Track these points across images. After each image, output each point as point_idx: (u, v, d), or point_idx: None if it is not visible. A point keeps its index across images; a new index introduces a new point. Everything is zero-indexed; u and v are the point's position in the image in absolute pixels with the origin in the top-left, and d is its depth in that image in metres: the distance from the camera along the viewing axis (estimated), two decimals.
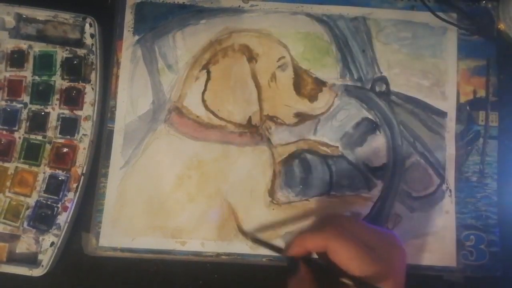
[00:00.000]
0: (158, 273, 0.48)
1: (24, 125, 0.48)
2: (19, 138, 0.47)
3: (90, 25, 0.48)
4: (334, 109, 0.49)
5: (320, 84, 0.50)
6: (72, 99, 0.48)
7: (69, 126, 0.48)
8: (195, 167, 0.48)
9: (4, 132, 0.48)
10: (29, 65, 0.48)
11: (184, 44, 0.50)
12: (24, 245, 0.47)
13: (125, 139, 0.48)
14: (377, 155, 0.49)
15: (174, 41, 0.50)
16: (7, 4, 0.48)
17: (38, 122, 0.48)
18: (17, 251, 0.47)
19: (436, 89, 0.50)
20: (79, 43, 0.49)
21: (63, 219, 0.46)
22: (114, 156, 0.48)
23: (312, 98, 0.49)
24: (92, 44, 0.49)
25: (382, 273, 0.34)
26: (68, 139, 0.48)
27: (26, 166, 0.47)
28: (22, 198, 0.47)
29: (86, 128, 0.48)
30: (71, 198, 0.47)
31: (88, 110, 0.48)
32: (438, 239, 0.47)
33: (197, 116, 0.49)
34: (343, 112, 0.49)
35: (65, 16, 0.49)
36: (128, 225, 0.47)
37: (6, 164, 0.47)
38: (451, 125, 0.49)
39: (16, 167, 0.47)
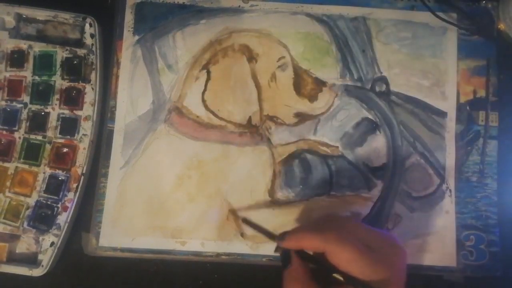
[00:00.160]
0: (158, 273, 0.48)
1: (24, 125, 0.48)
2: (19, 138, 0.48)
3: (90, 25, 0.48)
4: (334, 109, 0.49)
5: (320, 84, 0.50)
6: (72, 99, 0.48)
7: (69, 126, 0.48)
8: (195, 167, 0.48)
9: (4, 132, 0.48)
10: (29, 65, 0.48)
11: (184, 44, 0.50)
12: (24, 245, 0.47)
13: (125, 139, 0.48)
14: (377, 155, 0.49)
15: (174, 41, 0.50)
16: (7, 4, 0.48)
17: (38, 122, 0.48)
18: (17, 251, 0.47)
19: (436, 89, 0.50)
20: (79, 43, 0.49)
21: (63, 219, 0.46)
22: (114, 156, 0.48)
23: (312, 98, 0.49)
24: (92, 44, 0.49)
25: (383, 275, 0.34)
26: (68, 139, 0.48)
27: (26, 166, 0.47)
28: (22, 198, 0.47)
29: (86, 128, 0.48)
30: (71, 198, 0.47)
31: (88, 110, 0.48)
32: (438, 239, 0.47)
33: (197, 116, 0.49)
34: (343, 112, 0.49)
35: (65, 16, 0.49)
36: (128, 225, 0.47)
37: (6, 164, 0.47)
38: (451, 125, 0.49)
39: (16, 167, 0.47)
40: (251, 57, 0.50)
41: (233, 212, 0.47)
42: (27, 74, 0.48)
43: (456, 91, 0.50)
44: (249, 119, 0.49)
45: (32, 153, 0.47)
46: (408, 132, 0.49)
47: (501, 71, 0.50)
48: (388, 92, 0.49)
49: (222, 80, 0.49)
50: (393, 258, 0.36)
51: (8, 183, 0.47)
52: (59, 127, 0.48)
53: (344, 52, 0.50)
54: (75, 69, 0.48)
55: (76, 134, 0.48)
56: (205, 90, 0.49)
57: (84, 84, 0.48)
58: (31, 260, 0.46)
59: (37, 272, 0.45)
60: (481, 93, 0.50)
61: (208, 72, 0.50)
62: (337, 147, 0.49)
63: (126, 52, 0.50)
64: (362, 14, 0.50)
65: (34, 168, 0.47)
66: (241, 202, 0.48)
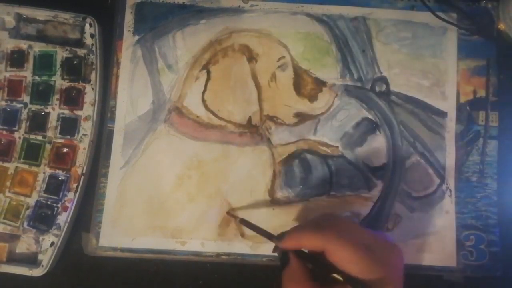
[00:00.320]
0: (158, 273, 0.48)
1: (24, 125, 0.48)
2: (19, 138, 0.47)
3: (90, 25, 0.48)
4: (334, 109, 0.49)
5: (320, 84, 0.50)
6: (72, 99, 0.48)
7: (69, 126, 0.48)
8: (195, 167, 0.48)
9: (4, 132, 0.48)
10: (29, 65, 0.48)
11: (184, 44, 0.50)
12: (24, 245, 0.47)
13: (125, 139, 0.48)
14: (377, 155, 0.49)
15: (174, 41, 0.50)
16: (7, 4, 0.48)
17: (38, 122, 0.48)
18: (17, 251, 0.47)
19: (436, 89, 0.50)
20: (79, 43, 0.49)
21: (63, 219, 0.46)
22: (114, 156, 0.48)
23: (312, 98, 0.49)
24: (92, 44, 0.49)
25: (381, 274, 0.34)
26: (68, 139, 0.48)
27: (26, 166, 0.47)
28: (22, 198, 0.47)
29: (86, 128, 0.48)
30: (71, 198, 0.47)
31: (88, 110, 0.48)
32: (438, 239, 0.47)
33: (197, 116, 0.49)
34: (343, 112, 0.49)
35: (65, 16, 0.49)
36: (128, 225, 0.47)
37: (6, 164, 0.47)
38: (451, 125, 0.49)
39: (16, 167, 0.47)
40: (251, 57, 0.50)
41: (231, 212, 0.47)
42: (27, 74, 0.48)
43: (456, 91, 0.50)
44: (249, 119, 0.49)
45: (32, 153, 0.47)
46: (408, 132, 0.49)
47: (501, 71, 0.50)
48: (388, 92, 0.49)
49: (222, 80, 0.49)
50: (391, 258, 0.36)
51: (8, 183, 0.47)
52: (59, 127, 0.48)
53: (344, 52, 0.50)
54: (75, 69, 0.48)
55: (76, 134, 0.48)
56: (205, 90, 0.49)
57: (84, 84, 0.48)
58: (31, 260, 0.46)
59: (37, 272, 0.45)
60: (481, 93, 0.50)
61: (208, 72, 0.50)
62: (337, 147, 0.49)
63: (126, 52, 0.50)
64: (362, 14, 0.50)
65: (34, 168, 0.47)
66: (241, 202, 0.48)
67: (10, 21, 0.49)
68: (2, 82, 0.48)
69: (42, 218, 0.46)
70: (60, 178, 0.47)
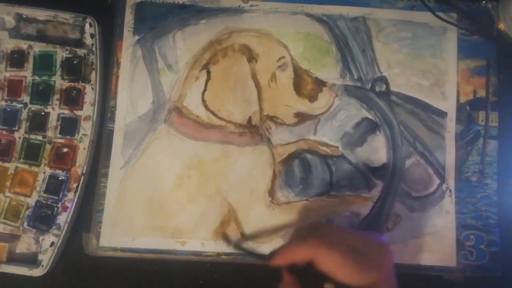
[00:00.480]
0: (158, 273, 0.48)
1: (24, 125, 0.48)
2: (19, 138, 0.47)
3: (90, 25, 0.48)
4: (334, 109, 0.49)
5: (320, 84, 0.50)
6: (72, 99, 0.48)
7: (69, 126, 0.48)
8: (195, 167, 0.48)
9: (4, 132, 0.48)
10: (29, 65, 0.48)
11: (184, 44, 0.50)
12: (24, 245, 0.47)
13: (125, 139, 0.48)
14: (377, 155, 0.49)
15: (174, 41, 0.50)
16: (7, 4, 0.48)
17: (38, 122, 0.48)
18: (17, 251, 0.47)
19: (436, 89, 0.50)
20: (79, 43, 0.49)
21: (63, 219, 0.46)
22: (114, 156, 0.48)
23: (312, 98, 0.49)
24: (92, 44, 0.49)
25: (372, 279, 0.34)
26: (68, 139, 0.48)
27: (26, 166, 0.47)
28: (22, 198, 0.47)
29: (86, 128, 0.48)
30: (71, 198, 0.47)
31: (88, 110, 0.48)
32: (438, 239, 0.47)
33: (197, 116, 0.49)
34: (343, 112, 0.49)
35: (65, 16, 0.49)
36: (128, 225, 0.47)
37: (6, 164, 0.47)
38: (451, 125, 0.49)
39: (16, 167, 0.47)
40: (251, 57, 0.50)
41: (224, 236, 0.47)
42: (27, 74, 0.48)
43: (456, 91, 0.50)
44: (249, 119, 0.49)
45: (32, 153, 0.47)
46: (408, 132, 0.49)
47: (501, 71, 0.50)
48: (388, 92, 0.49)
49: (222, 80, 0.49)
50: (380, 259, 0.36)
51: (8, 183, 0.47)
52: (59, 127, 0.48)
53: (344, 52, 0.50)
54: (75, 69, 0.48)
55: (76, 134, 0.48)
56: (205, 90, 0.49)
57: (84, 84, 0.48)
58: (31, 260, 0.46)
59: (37, 272, 0.45)
60: (481, 93, 0.50)
61: (208, 72, 0.50)
62: (337, 147, 0.49)
63: (126, 52, 0.50)
64: (362, 14, 0.50)
65: (34, 168, 0.47)
66: (241, 202, 0.48)
67: (10, 21, 0.49)
68: (2, 82, 0.48)
69: (42, 218, 0.46)
70: (60, 178, 0.47)
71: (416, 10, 0.51)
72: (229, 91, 0.49)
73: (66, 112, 0.48)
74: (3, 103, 0.48)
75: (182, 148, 0.48)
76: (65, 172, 0.47)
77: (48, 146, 0.47)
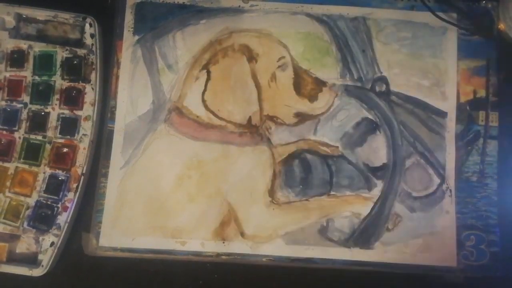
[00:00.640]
0: (158, 273, 0.48)
1: (24, 125, 0.48)
2: (19, 138, 0.48)
3: (90, 25, 0.49)
4: (334, 109, 0.49)
5: (320, 84, 0.50)
6: (72, 99, 0.48)
7: (69, 126, 0.48)
8: (195, 167, 0.48)
9: (4, 132, 0.48)
10: (29, 65, 0.48)
11: (184, 44, 0.50)
12: (24, 245, 0.47)
13: (125, 139, 0.48)
14: (377, 155, 0.49)
15: (174, 41, 0.50)
16: (7, 4, 0.49)
17: (38, 122, 0.48)
18: (17, 251, 0.47)
19: (436, 89, 0.50)
20: (79, 43, 0.49)
21: (63, 219, 0.46)
22: (114, 156, 0.48)
23: (312, 98, 0.49)
24: (92, 44, 0.49)
25: None
26: (68, 139, 0.48)
27: (26, 166, 0.47)
28: (22, 198, 0.47)
29: (86, 128, 0.48)
30: (71, 198, 0.47)
31: (88, 110, 0.48)
32: (438, 239, 0.47)
33: (197, 116, 0.49)
34: (343, 112, 0.49)
35: (65, 16, 0.49)
36: (128, 225, 0.47)
37: (6, 164, 0.47)
38: (451, 125, 0.49)
39: (16, 167, 0.47)
40: (251, 57, 0.50)
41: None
42: (27, 74, 0.48)
43: (456, 91, 0.50)
44: (249, 119, 0.49)
45: (32, 153, 0.47)
46: (408, 132, 0.49)
47: (501, 71, 0.50)
48: (388, 92, 0.49)
49: (222, 80, 0.49)
50: None
51: (8, 183, 0.47)
52: (59, 127, 0.48)
53: (344, 52, 0.50)
54: (75, 69, 0.48)
55: (76, 134, 0.48)
56: (205, 90, 0.49)
57: (84, 84, 0.48)
58: (31, 260, 0.46)
59: (37, 272, 0.45)
60: (481, 93, 0.50)
61: (208, 72, 0.50)
62: (337, 147, 0.49)
63: (126, 52, 0.50)
64: (362, 14, 0.50)
65: (34, 168, 0.47)
66: (241, 202, 0.48)
67: (10, 21, 0.49)
68: (2, 82, 0.48)
69: (42, 218, 0.46)
70: (60, 178, 0.47)
71: (416, 10, 0.51)
72: (229, 91, 0.49)
73: (66, 112, 0.48)
74: (3, 103, 0.48)
75: (182, 148, 0.48)
76: (65, 172, 0.47)
77: (48, 146, 0.47)
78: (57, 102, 0.48)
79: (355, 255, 0.47)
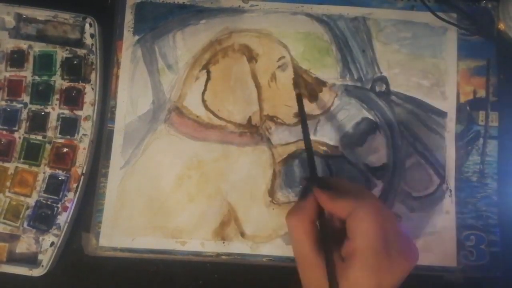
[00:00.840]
0: (158, 273, 0.48)
1: (24, 125, 0.48)
2: (19, 138, 0.48)
3: (90, 25, 0.49)
4: (334, 109, 0.49)
5: (320, 84, 0.50)
6: (72, 99, 0.48)
7: (69, 126, 0.48)
8: (195, 167, 0.48)
9: (4, 132, 0.48)
10: (29, 65, 0.48)
11: (184, 44, 0.50)
12: (24, 245, 0.47)
13: (125, 139, 0.48)
14: (377, 155, 0.49)
15: (174, 41, 0.50)
16: (7, 4, 0.48)
17: (38, 122, 0.48)
18: (17, 251, 0.47)
19: (436, 89, 0.50)
20: (79, 43, 0.49)
21: (63, 219, 0.46)
22: (114, 156, 0.48)
23: (312, 98, 0.49)
24: (92, 44, 0.49)
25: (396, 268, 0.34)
26: (68, 139, 0.48)
27: (26, 166, 0.47)
28: (22, 198, 0.47)
29: (86, 128, 0.48)
30: (71, 198, 0.47)
31: (88, 110, 0.48)
32: (438, 239, 0.47)
33: (197, 116, 0.49)
34: (343, 112, 0.49)
35: (65, 16, 0.49)
36: (128, 225, 0.47)
37: (6, 164, 0.47)
38: (451, 125, 0.49)
39: (16, 167, 0.47)
40: (251, 57, 0.50)
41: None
42: (27, 74, 0.48)
43: (456, 91, 0.50)
44: (249, 119, 0.49)
45: (32, 153, 0.47)
46: (408, 132, 0.49)
47: (501, 71, 0.50)
48: (388, 92, 0.49)
49: (222, 80, 0.49)
50: (404, 261, 0.35)
51: (8, 183, 0.47)
52: (59, 127, 0.48)
53: (344, 52, 0.50)
54: (75, 69, 0.48)
55: (76, 134, 0.48)
56: (205, 90, 0.49)
57: (84, 84, 0.48)
58: (31, 260, 0.46)
59: (37, 272, 0.45)
60: (481, 93, 0.50)
61: (208, 72, 0.50)
62: (337, 147, 0.49)
63: (126, 52, 0.50)
64: (362, 14, 0.50)
65: (34, 168, 0.47)
66: (241, 202, 0.48)
67: (10, 21, 0.49)
68: (2, 82, 0.48)
69: (42, 218, 0.46)
70: (60, 178, 0.47)
71: (416, 10, 0.51)
72: (229, 91, 0.49)
73: (66, 112, 0.48)
74: (3, 103, 0.48)
75: (182, 148, 0.48)
76: (65, 172, 0.47)
77: (48, 146, 0.47)
78: (57, 102, 0.48)
79: None
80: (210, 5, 0.50)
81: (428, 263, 0.47)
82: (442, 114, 0.49)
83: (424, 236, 0.47)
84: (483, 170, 0.49)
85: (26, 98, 0.48)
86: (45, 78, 0.48)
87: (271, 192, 0.48)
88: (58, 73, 0.48)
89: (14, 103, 0.48)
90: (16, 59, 0.48)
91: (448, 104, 0.49)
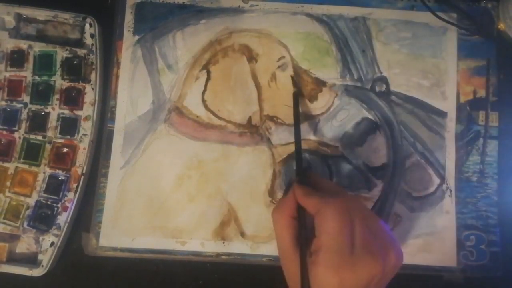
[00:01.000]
0: (158, 273, 0.48)
1: (24, 125, 0.48)
2: (19, 138, 0.48)
3: (90, 25, 0.49)
4: (334, 109, 0.49)
5: (320, 84, 0.50)
6: (72, 99, 0.48)
7: (69, 126, 0.48)
8: (195, 167, 0.48)
9: (4, 132, 0.48)
10: (29, 65, 0.48)
11: (184, 44, 0.50)
12: (24, 245, 0.47)
13: (125, 139, 0.48)
14: (377, 155, 0.49)
15: (174, 41, 0.50)
16: (7, 4, 0.48)
17: (38, 122, 0.48)
18: (17, 251, 0.47)
19: (436, 89, 0.50)
20: (79, 43, 0.49)
21: (63, 219, 0.46)
22: (114, 156, 0.48)
23: (312, 98, 0.49)
24: (92, 44, 0.49)
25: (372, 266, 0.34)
26: (68, 139, 0.48)
27: (26, 166, 0.47)
28: (22, 198, 0.47)
29: (86, 128, 0.48)
30: (71, 198, 0.47)
31: (88, 110, 0.48)
32: (438, 239, 0.47)
33: (197, 116, 0.49)
34: (343, 112, 0.49)
35: (65, 16, 0.49)
36: (128, 225, 0.47)
37: (6, 164, 0.47)
38: (451, 125, 0.49)
39: (16, 167, 0.47)
40: (251, 57, 0.50)
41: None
42: (27, 74, 0.48)
43: (456, 91, 0.50)
44: (249, 119, 0.49)
45: (32, 153, 0.47)
46: (408, 132, 0.49)
47: (501, 71, 0.50)
48: (388, 92, 0.49)
49: (222, 80, 0.49)
50: (387, 255, 0.35)
51: (8, 183, 0.47)
52: (59, 127, 0.48)
53: (344, 52, 0.50)
54: (75, 69, 0.48)
55: (76, 134, 0.48)
56: (205, 90, 0.49)
57: (84, 84, 0.48)
58: (31, 260, 0.46)
59: (37, 272, 0.45)
60: (481, 93, 0.50)
61: (208, 72, 0.50)
62: (337, 147, 0.49)
63: (126, 52, 0.50)
64: (362, 14, 0.50)
65: (34, 168, 0.47)
66: (241, 202, 0.48)
67: (10, 21, 0.49)
68: (2, 82, 0.48)
69: (42, 218, 0.46)
70: (60, 178, 0.47)
71: (416, 10, 0.51)
72: (229, 91, 0.49)
73: (66, 112, 0.48)
74: (3, 103, 0.48)
75: (182, 148, 0.48)
76: (65, 172, 0.47)
77: (48, 146, 0.47)
78: (57, 102, 0.48)
79: None
80: (210, 5, 0.50)
81: (428, 263, 0.47)
82: (442, 114, 0.49)
83: (424, 236, 0.47)
84: (483, 170, 0.49)
85: (26, 98, 0.48)
86: (45, 78, 0.48)
87: (271, 192, 0.48)
88: (58, 73, 0.48)
89: (14, 103, 0.48)
90: (16, 59, 0.48)
91: (448, 104, 0.49)
